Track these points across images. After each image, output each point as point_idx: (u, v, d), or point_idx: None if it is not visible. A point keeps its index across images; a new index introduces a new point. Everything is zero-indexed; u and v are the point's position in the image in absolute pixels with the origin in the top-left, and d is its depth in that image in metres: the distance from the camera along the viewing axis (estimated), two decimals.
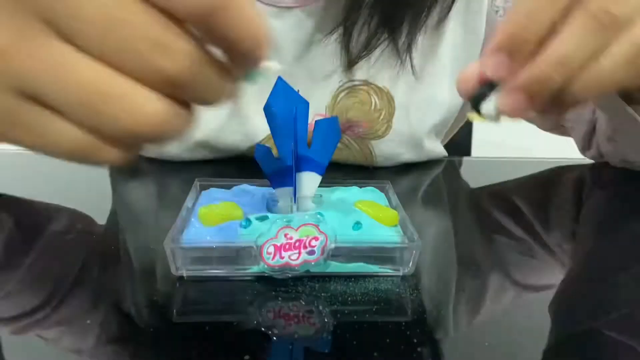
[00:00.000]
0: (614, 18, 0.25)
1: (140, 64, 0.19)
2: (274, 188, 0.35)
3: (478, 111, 0.28)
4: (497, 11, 0.55)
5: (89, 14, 0.19)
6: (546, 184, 0.54)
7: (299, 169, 0.35)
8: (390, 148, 0.55)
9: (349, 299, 0.30)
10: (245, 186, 0.38)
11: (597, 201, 0.49)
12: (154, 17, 0.19)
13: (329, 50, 0.53)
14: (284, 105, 0.33)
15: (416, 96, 0.54)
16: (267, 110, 0.32)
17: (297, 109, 0.33)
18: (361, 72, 0.53)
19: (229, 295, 0.30)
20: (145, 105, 0.20)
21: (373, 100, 0.54)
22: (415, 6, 0.51)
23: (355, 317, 0.29)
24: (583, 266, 0.37)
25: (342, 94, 0.54)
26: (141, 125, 0.20)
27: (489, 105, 0.28)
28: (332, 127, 0.34)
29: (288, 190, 0.35)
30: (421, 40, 0.53)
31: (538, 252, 0.39)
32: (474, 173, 0.59)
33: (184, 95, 0.21)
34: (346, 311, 0.29)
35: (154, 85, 0.20)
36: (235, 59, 0.22)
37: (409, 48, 0.52)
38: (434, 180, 0.55)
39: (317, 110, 0.54)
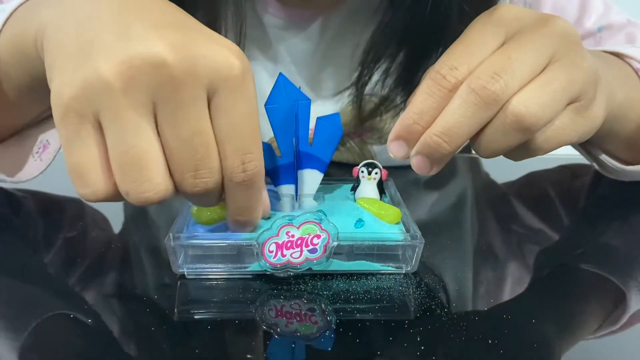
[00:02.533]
0: (490, 93, 0.28)
1: (183, 165, 0.26)
2: (275, 186, 0.35)
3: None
4: None
5: (185, 115, 0.25)
6: (549, 181, 0.54)
7: (301, 167, 0.35)
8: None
9: (352, 297, 0.30)
10: None
11: (600, 198, 0.49)
12: (214, 156, 0.26)
13: (340, 64, 0.52)
14: (286, 102, 0.32)
15: None
16: (269, 106, 0.32)
17: (298, 105, 0.33)
18: (371, 85, 0.52)
19: (230, 293, 0.30)
20: (159, 184, 0.25)
21: (379, 110, 0.53)
22: None
23: (357, 315, 0.29)
24: (587, 264, 0.37)
25: (350, 107, 0.54)
26: (135, 193, 0.25)
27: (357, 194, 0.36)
28: (333, 124, 0.34)
29: (289, 187, 0.35)
30: None
31: (542, 250, 0.39)
32: (476, 170, 0.59)
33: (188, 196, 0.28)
34: (348, 309, 0.29)
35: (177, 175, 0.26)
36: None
37: None
38: (436, 178, 0.55)
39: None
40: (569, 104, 0.30)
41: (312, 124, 0.34)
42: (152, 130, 0.25)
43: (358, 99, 0.51)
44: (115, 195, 0.26)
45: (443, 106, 0.29)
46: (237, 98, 0.25)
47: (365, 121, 0.53)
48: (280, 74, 0.32)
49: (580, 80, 0.30)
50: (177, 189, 0.26)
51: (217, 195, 0.28)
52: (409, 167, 0.32)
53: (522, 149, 0.31)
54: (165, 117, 0.25)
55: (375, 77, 0.50)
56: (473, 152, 0.58)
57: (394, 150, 0.31)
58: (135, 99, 0.24)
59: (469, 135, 0.30)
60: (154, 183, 0.25)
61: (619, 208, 0.47)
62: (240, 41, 0.46)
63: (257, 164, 0.27)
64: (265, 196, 0.31)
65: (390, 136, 0.31)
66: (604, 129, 0.37)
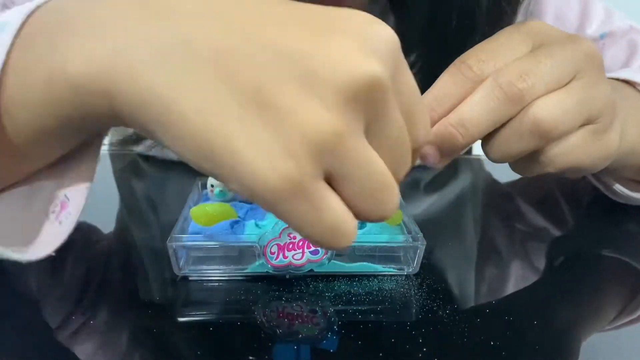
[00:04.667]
0: (517, 91, 0.27)
1: (397, 164, 0.23)
2: None
3: None
4: None
5: (393, 120, 0.22)
6: (551, 180, 0.54)
7: None
8: None
9: (353, 298, 0.30)
10: None
11: (594, 199, 0.49)
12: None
13: None
14: None
15: None
16: None
17: None
18: None
19: (232, 295, 0.30)
20: (396, 197, 0.23)
21: None
22: None
23: (359, 316, 0.29)
24: (592, 264, 0.37)
25: None
26: (389, 211, 0.22)
27: None
28: None
29: None
30: None
31: (545, 250, 0.39)
32: (476, 171, 0.59)
33: None
34: (350, 311, 0.29)
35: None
36: None
37: None
38: (437, 179, 0.55)
39: None
40: (586, 124, 0.30)
41: None
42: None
43: None
44: None
45: (463, 97, 0.28)
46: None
47: None
48: None
49: (601, 101, 0.30)
50: None
51: None
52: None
53: (532, 160, 0.30)
54: (378, 129, 0.22)
55: None
56: (474, 153, 0.58)
57: None
58: (360, 126, 0.21)
59: (485, 131, 0.29)
60: (397, 194, 0.23)
61: (623, 205, 0.47)
62: None
63: None
64: None
65: None
66: (617, 161, 0.36)
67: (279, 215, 0.21)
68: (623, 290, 0.34)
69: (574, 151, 0.30)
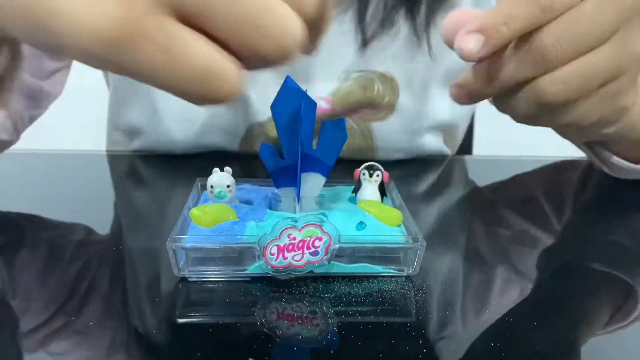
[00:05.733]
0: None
1: None
2: (277, 188, 0.35)
3: None
4: None
5: None
6: (547, 180, 0.54)
7: (304, 170, 0.35)
8: (390, 132, 0.56)
9: (353, 299, 0.30)
10: (247, 185, 0.38)
11: (594, 197, 0.49)
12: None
13: (343, 30, 0.52)
14: (291, 105, 0.32)
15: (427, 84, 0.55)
16: (274, 108, 0.32)
17: (303, 108, 0.32)
18: (372, 61, 0.52)
19: (231, 296, 0.30)
20: (293, 24, 0.20)
21: (377, 87, 0.54)
22: None
23: (359, 317, 0.29)
24: (592, 264, 0.37)
25: (348, 82, 0.54)
26: (285, 43, 0.20)
27: None
28: (338, 128, 0.34)
29: (291, 190, 0.35)
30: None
31: (543, 250, 0.39)
32: (476, 172, 0.59)
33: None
34: (350, 312, 0.29)
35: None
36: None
37: (427, 28, 0.52)
38: (436, 180, 0.55)
39: (322, 94, 0.54)
40: (606, 84, 0.30)
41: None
42: None
43: (360, 15, 0.50)
44: None
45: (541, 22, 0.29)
46: None
47: (368, 43, 0.52)
48: (288, 76, 0.32)
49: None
50: None
51: None
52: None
53: (530, 96, 0.31)
54: None
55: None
56: (474, 153, 0.57)
57: (471, 44, 0.29)
58: None
59: (524, 25, 0.28)
60: (288, 16, 0.21)
61: (619, 204, 0.47)
62: None
63: None
64: None
65: (472, 26, 0.29)
66: (619, 134, 0.37)
67: (126, 68, 0.18)
68: (623, 290, 0.34)
69: (585, 105, 0.31)
